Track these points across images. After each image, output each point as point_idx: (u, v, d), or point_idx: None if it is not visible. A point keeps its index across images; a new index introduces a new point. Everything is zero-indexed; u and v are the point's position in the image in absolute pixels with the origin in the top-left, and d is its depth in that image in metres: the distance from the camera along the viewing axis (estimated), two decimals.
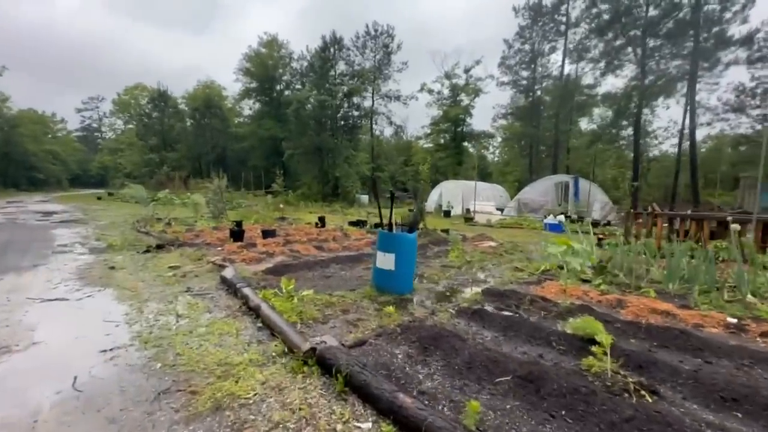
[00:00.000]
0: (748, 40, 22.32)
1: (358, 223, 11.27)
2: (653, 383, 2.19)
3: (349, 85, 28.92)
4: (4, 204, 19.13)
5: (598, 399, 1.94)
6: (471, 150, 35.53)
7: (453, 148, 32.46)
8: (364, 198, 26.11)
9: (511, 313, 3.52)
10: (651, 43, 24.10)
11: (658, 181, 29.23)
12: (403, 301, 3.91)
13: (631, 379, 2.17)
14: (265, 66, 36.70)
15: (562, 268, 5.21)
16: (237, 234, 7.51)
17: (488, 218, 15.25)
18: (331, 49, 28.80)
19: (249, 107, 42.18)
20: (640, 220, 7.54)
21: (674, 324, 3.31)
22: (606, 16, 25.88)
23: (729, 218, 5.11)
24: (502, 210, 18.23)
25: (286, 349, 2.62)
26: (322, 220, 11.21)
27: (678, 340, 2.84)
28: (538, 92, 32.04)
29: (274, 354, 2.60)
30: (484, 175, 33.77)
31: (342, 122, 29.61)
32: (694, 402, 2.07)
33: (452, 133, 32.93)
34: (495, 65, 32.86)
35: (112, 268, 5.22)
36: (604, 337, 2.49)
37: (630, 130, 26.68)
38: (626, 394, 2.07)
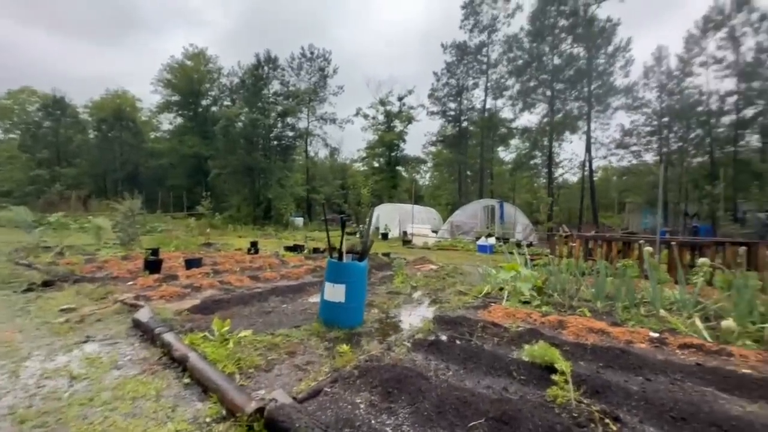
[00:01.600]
0: (628, 91, 27.27)
1: (296, 248, 10.66)
2: (613, 409, 2.23)
3: (283, 105, 28.27)
4: None
5: None
6: (405, 174, 36.83)
7: (388, 172, 33.29)
8: (299, 221, 25.18)
9: (466, 343, 3.45)
10: (558, 86, 27.97)
11: (565, 205, 33.30)
12: (355, 336, 3.62)
13: (594, 408, 2.19)
14: (189, 79, 34.23)
15: (502, 289, 5.41)
16: (153, 264, 6.50)
17: (425, 241, 15.66)
18: (265, 68, 28.05)
19: (169, 122, 38.68)
20: (571, 242, 8.31)
21: (610, 342, 3.54)
22: (520, 61, 29.48)
23: (641, 241, 5.83)
24: (436, 232, 18.93)
25: (224, 412, 2.17)
26: (254, 245, 10.38)
27: (620, 360, 3.01)
28: (465, 123, 34.79)
29: (208, 420, 2.13)
30: (417, 199, 35.14)
31: (275, 142, 28.64)
32: (649, 425, 2.14)
33: (387, 158, 33.85)
34: (426, 95, 35.00)
35: None
36: (564, 365, 2.52)
37: (543, 160, 30.21)
38: (593, 425, 2.06)
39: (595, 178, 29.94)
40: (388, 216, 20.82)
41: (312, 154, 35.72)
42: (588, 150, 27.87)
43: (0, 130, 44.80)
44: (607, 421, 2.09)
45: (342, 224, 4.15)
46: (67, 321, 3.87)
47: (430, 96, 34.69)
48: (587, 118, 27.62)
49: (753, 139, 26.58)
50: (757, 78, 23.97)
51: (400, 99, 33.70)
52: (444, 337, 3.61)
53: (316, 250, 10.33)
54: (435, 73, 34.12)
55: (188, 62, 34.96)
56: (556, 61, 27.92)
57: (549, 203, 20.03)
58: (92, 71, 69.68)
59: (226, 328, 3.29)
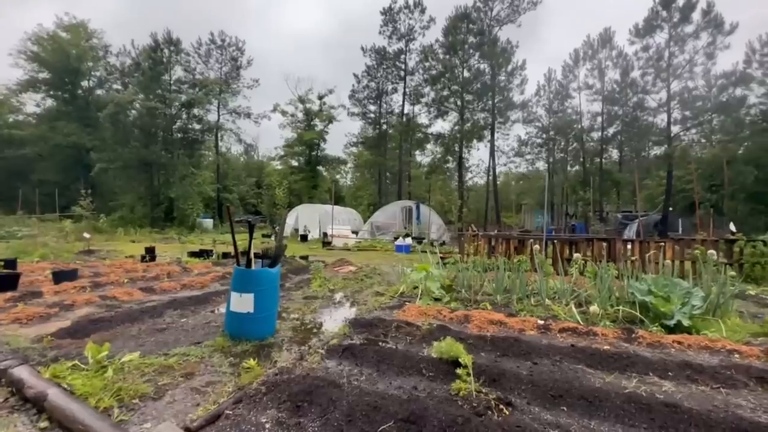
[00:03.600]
0: (523, 106, 31.11)
1: (203, 254, 9.68)
2: (507, 395, 2.47)
3: (188, 95, 25.51)
4: None
5: (472, 425, 2.03)
6: (325, 174, 36.33)
7: (308, 171, 32.47)
8: (208, 222, 23.01)
9: (381, 345, 3.50)
10: (467, 97, 30.50)
11: (473, 206, 36.57)
12: (265, 349, 3.40)
13: (491, 396, 2.39)
14: (64, 54, 28.63)
15: (416, 288, 5.66)
16: (5, 280, 5.24)
17: (345, 242, 15.64)
18: (165, 50, 24.96)
19: (36, 103, 31.86)
20: (477, 241, 9.07)
21: (507, 332, 3.95)
22: (435, 71, 31.41)
23: (531, 240, 6.62)
24: (356, 233, 19.06)
25: None
26: (150, 251, 9.14)
27: (513, 348, 3.37)
28: (384, 126, 35.78)
29: None
30: (338, 199, 34.99)
31: (179, 135, 25.69)
32: (535, 405, 2.42)
33: (307, 157, 33.01)
34: (347, 96, 35.06)
35: None
36: (466, 358, 2.71)
37: (454, 165, 32.65)
38: (490, 412, 2.24)
39: (497, 183, 33.43)
40: (308, 217, 20.29)
41: (224, 150, 33.01)
42: (492, 157, 31.01)
43: None
44: (501, 407, 2.30)
45: (250, 227, 3.86)
46: None
47: (350, 97, 34.87)
48: (491, 128, 30.73)
49: (614, 153, 32.71)
50: (616, 103, 29.46)
51: (320, 98, 33.20)
52: (359, 341, 3.61)
53: (226, 255, 9.52)
54: (355, 75, 34.42)
55: (63, 34, 29.23)
56: (466, 74, 30.49)
57: (459, 205, 21.70)
58: None
59: (104, 353, 2.79)
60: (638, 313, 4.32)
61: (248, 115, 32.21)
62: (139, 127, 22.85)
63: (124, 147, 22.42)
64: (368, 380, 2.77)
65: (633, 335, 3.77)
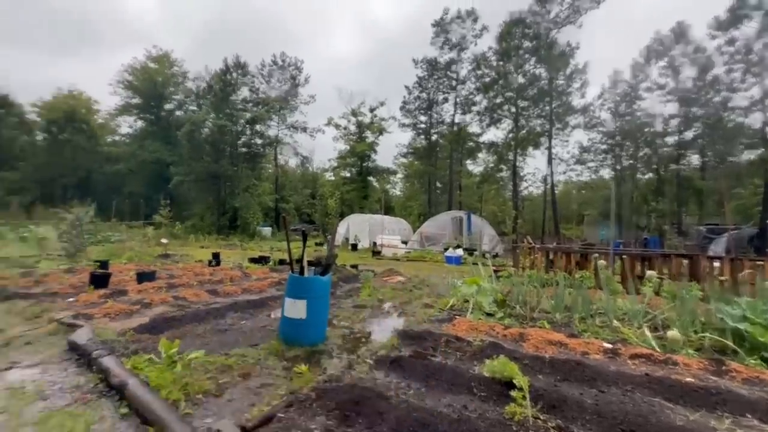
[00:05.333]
0: (584, 110, 29.13)
1: (261, 260, 10.30)
2: (568, 424, 2.26)
3: (252, 112, 27.68)
4: None
5: None
6: (375, 184, 36.96)
7: (359, 182, 33.28)
8: (267, 230, 24.48)
9: (429, 359, 3.41)
10: (522, 103, 29.39)
11: (529, 216, 34.70)
12: (315, 355, 3.49)
13: (550, 424, 2.20)
14: (152, 81, 32.79)
15: (467, 302, 5.46)
16: (100, 278, 6.01)
17: (394, 252, 15.67)
18: (234, 74, 27.42)
19: (129, 125, 36.70)
20: (533, 254, 8.58)
21: (568, 354, 3.63)
22: (488, 78, 30.78)
23: (595, 255, 6.11)
24: (406, 243, 19.02)
25: None
26: (216, 256, 9.93)
27: (576, 372, 3.09)
28: (434, 136, 35.64)
29: None
30: (388, 209, 35.36)
31: (244, 149, 27.88)
32: None
33: (358, 168, 33.89)
34: (397, 107, 35.65)
35: None
36: (522, 380, 2.54)
37: (508, 174, 31.43)
38: None
39: (556, 192, 31.46)
40: (358, 226, 20.71)
41: (282, 162, 35.14)
42: (550, 164, 29.33)
43: None
44: None
45: (304, 236, 4.03)
46: None
47: (401, 108, 35.32)
48: (549, 135, 29.14)
49: (693, 159, 29.17)
50: (694, 103, 26.38)
51: (371, 110, 34.05)
52: (407, 353, 3.55)
53: (282, 262, 10.03)
54: (407, 87, 34.85)
55: (152, 65, 33.52)
56: (521, 80, 29.42)
57: (514, 215, 20.74)
58: (45, 78, 65.46)
59: (175, 350, 3.05)
60: (730, 343, 3.74)
61: (304, 129, 34.05)
62: (210, 143, 25.23)
63: (197, 161, 24.88)
64: (416, 395, 2.71)
65: (724, 368, 3.27)
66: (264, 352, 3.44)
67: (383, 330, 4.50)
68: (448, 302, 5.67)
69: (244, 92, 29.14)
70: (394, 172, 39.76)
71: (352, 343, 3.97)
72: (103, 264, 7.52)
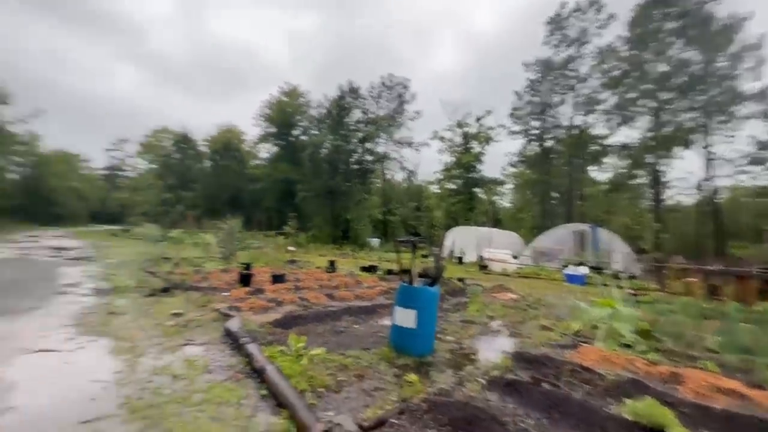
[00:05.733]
0: (762, 96, 22.62)
1: (371, 269, 10.91)
2: None
3: (363, 131, 29.95)
4: (22, 238, 19.43)
5: None
6: (482, 196, 35.56)
7: (465, 194, 32.52)
8: (375, 241, 25.86)
9: (551, 387, 3.05)
10: (664, 96, 24.61)
11: (676, 230, 28.40)
12: (424, 366, 3.48)
13: None
14: (284, 112, 38.60)
15: (596, 328, 4.72)
16: (245, 278, 7.23)
17: (504, 267, 14.70)
18: (347, 98, 30.24)
19: (266, 150, 43.81)
20: (687, 277, 7.00)
21: (748, 408, 2.79)
22: (617, 72, 26.83)
23: None
24: (517, 257, 17.65)
25: (294, 429, 2.23)
26: (332, 264, 10.91)
27: None
28: (549, 141, 32.57)
29: None
30: (496, 222, 33.52)
31: (356, 166, 30.27)
32: None
33: (464, 179, 33.18)
34: (504, 115, 33.90)
35: (112, 313, 4.93)
36: None
37: (648, 179, 26.48)
38: None
39: (719, 201, 25.05)
40: (463, 239, 20.16)
41: (389, 177, 36.88)
42: (709, 167, 23.60)
43: (146, 161, 55.77)
44: None
45: (413, 247, 4.10)
46: (175, 324, 4.47)
47: (511, 115, 33.43)
48: (705, 131, 23.56)
49: None
50: None
51: (478, 120, 33.13)
52: (524, 378, 3.25)
53: (390, 272, 10.42)
54: (516, 92, 32.90)
55: (284, 98, 39.54)
56: (662, 68, 24.70)
57: (656, 229, 17.28)
58: (211, 118, 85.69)
59: (302, 345, 3.44)
60: None
61: (410, 144, 35.20)
62: (328, 162, 28.30)
63: (317, 179, 28.15)
64: (538, 426, 2.44)
65: None
66: (376, 357, 3.59)
67: (493, 349, 4.22)
68: (572, 326, 5.00)
69: (356, 114, 31.85)
70: (502, 183, 37.63)
71: (461, 358, 3.83)
72: (247, 266, 9.00)
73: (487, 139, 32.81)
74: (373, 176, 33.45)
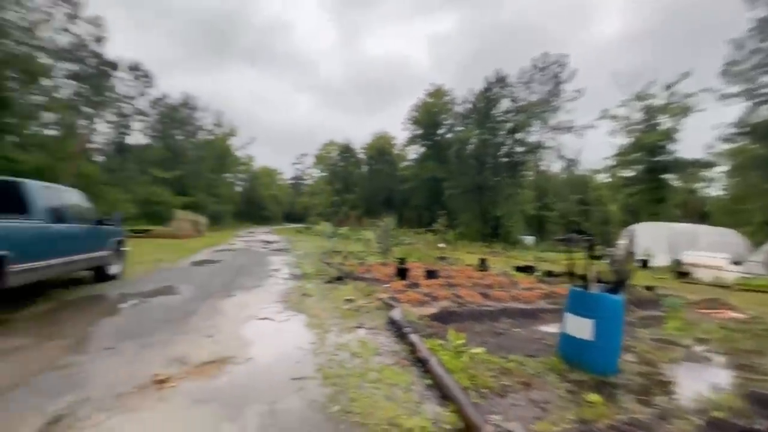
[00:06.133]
0: None
1: (526, 269, 10.06)
2: None
3: (512, 122, 27.95)
4: (245, 234, 26.43)
5: None
6: (675, 183, 27.94)
7: (649, 182, 26.22)
8: (529, 240, 23.76)
9: None
10: None
11: None
12: (607, 386, 2.95)
13: None
14: (430, 113, 39.86)
15: None
16: (402, 272, 7.78)
17: (716, 275, 11.14)
18: (494, 89, 28.78)
19: (414, 152, 46.23)
20: None
21: None
22: None
23: None
24: (739, 264, 13.08)
25: (463, 426, 2.24)
26: (483, 262, 10.57)
27: None
28: None
29: (448, 427, 2.26)
30: (701, 216, 25.70)
31: (504, 159, 28.55)
32: None
33: (647, 164, 26.80)
34: (707, 76, 25.52)
35: (305, 294, 6.10)
36: None
37: None
38: None
39: None
40: (650, 238, 16.30)
41: (544, 168, 33.27)
42: None
43: (318, 170, 67.23)
44: None
45: (589, 246, 3.54)
46: (349, 309, 5.18)
47: (723, 73, 25.03)
48: None
49: None
50: None
51: (667, 87, 26.20)
52: (765, 429, 2.35)
53: (550, 274, 9.37)
54: (734, 41, 24.37)
55: (429, 100, 40.81)
56: None
57: None
58: (368, 128, 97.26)
59: (461, 341, 3.44)
60: None
61: (569, 129, 30.80)
62: (474, 158, 27.68)
63: (463, 175, 27.90)
64: None
65: None
66: (542, 366, 3.26)
67: (707, 382, 3.22)
68: None
69: (504, 104, 29.98)
70: (710, 165, 28.55)
71: (657, 386, 3.08)
72: (402, 261, 9.67)
73: (684, 111, 25.57)
74: (525, 169, 30.80)
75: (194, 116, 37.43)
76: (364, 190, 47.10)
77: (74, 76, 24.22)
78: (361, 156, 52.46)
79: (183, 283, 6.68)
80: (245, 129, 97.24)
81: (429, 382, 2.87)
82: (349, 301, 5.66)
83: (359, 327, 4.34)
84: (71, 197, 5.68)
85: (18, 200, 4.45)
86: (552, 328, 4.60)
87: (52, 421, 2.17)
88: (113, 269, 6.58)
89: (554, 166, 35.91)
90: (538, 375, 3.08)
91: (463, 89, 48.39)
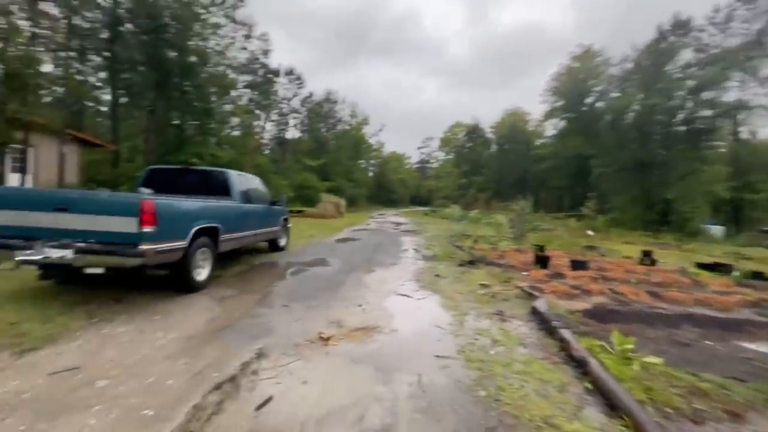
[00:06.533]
0: None
1: (716, 267, 7.83)
2: None
3: (697, 78, 21.67)
4: (377, 215, 28.53)
5: None
6: None
7: None
8: (717, 229, 18.42)
9: None
10: None
11: None
12: None
13: None
14: (574, 81, 34.45)
15: None
16: (542, 260, 7.07)
17: None
18: (670, 38, 22.71)
19: (553, 126, 41.00)
20: None
21: None
22: None
23: None
24: None
25: None
26: (648, 254, 8.69)
27: None
28: None
29: None
30: None
31: (682, 127, 22.56)
32: None
33: None
34: None
35: (437, 276, 6.18)
36: None
37: None
38: None
39: None
40: None
41: (747, 136, 24.93)
42: None
43: (443, 153, 66.85)
44: None
45: None
46: (485, 294, 5.00)
47: None
48: None
49: None
50: None
51: None
52: None
53: (757, 275, 7.06)
54: None
55: (575, 65, 35.20)
56: None
57: None
58: (497, 106, 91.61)
59: (629, 346, 2.90)
60: None
61: None
62: (636, 128, 22.66)
63: (620, 150, 23.24)
64: None
65: None
66: (759, 396, 2.47)
67: None
68: None
69: (684, 57, 23.39)
70: None
71: None
72: (541, 248, 8.80)
73: None
74: (714, 138, 23.67)
75: (334, 110, 41.84)
76: (493, 172, 44.67)
77: (249, 86, 30.13)
78: (490, 136, 49.60)
79: (331, 257, 7.64)
80: (376, 117, 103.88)
81: (588, 386, 2.52)
82: (484, 286, 5.46)
83: (497, 314, 4.14)
84: (255, 183, 7.09)
85: (223, 186, 5.79)
86: (763, 348, 3.47)
87: (254, 357, 2.77)
88: (282, 242, 8.01)
89: (763, 133, 26.55)
90: (751, 406, 2.35)
91: (619, 48, 39.92)
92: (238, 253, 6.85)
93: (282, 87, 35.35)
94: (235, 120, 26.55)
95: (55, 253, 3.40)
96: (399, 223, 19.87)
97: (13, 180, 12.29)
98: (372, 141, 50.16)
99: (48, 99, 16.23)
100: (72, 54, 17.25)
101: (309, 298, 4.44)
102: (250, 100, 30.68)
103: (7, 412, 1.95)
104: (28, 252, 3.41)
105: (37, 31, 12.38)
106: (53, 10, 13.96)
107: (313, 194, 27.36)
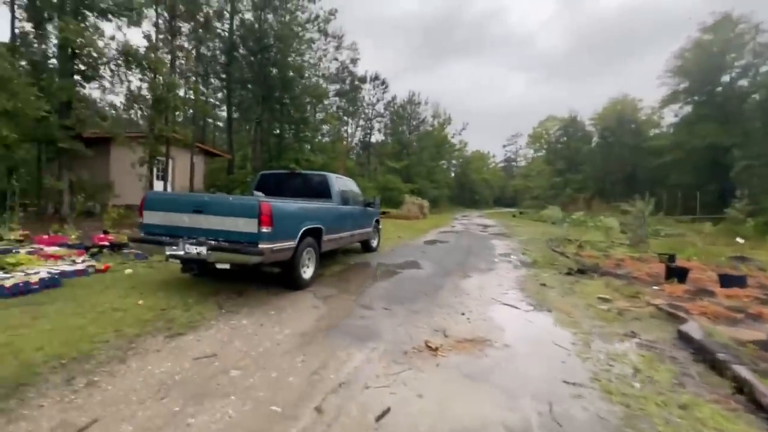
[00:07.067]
0: None
1: None
2: None
3: None
4: (460, 217, 27.62)
5: None
6: None
7: None
8: None
9: None
10: None
11: None
12: None
13: None
14: (706, 56, 28.52)
15: None
16: (678, 272, 5.86)
17: None
18: None
19: (674, 114, 34.63)
20: None
21: None
22: None
23: None
24: None
25: None
26: None
27: None
28: None
29: None
30: None
31: None
32: None
33: None
34: None
35: (543, 285, 5.56)
36: None
37: None
38: None
39: None
40: None
41: None
42: None
43: (533, 150, 61.90)
44: None
45: None
46: (608, 310, 4.29)
47: None
48: None
49: None
50: None
51: None
52: None
53: None
54: None
55: (706, 36, 29.21)
56: None
57: None
58: (600, 97, 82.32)
59: None
60: None
61: None
62: None
63: None
64: None
65: None
66: None
67: None
68: None
69: None
70: None
71: None
72: (671, 258, 7.36)
73: None
74: None
75: (417, 111, 41.87)
76: (594, 168, 39.69)
77: (338, 94, 31.95)
78: (590, 129, 44.23)
79: (423, 259, 7.49)
80: (460, 116, 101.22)
81: None
82: (605, 300, 4.71)
83: (631, 336, 3.48)
84: (351, 185, 7.34)
85: (324, 188, 6.08)
86: None
87: (365, 361, 2.74)
88: (374, 243, 8.15)
89: None
90: None
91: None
92: (334, 254, 7.15)
93: (367, 93, 36.72)
94: (325, 127, 28.40)
95: (193, 249, 3.89)
96: (486, 225, 18.89)
97: (158, 186, 14.95)
98: (454, 140, 48.93)
99: (180, 118, 19.44)
100: (198, 78, 20.39)
101: (408, 302, 4.34)
102: (338, 107, 32.51)
103: (165, 391, 2.21)
104: (174, 248, 3.96)
105: (175, 61, 14.89)
106: (186, 43, 16.66)
107: (396, 196, 27.73)
